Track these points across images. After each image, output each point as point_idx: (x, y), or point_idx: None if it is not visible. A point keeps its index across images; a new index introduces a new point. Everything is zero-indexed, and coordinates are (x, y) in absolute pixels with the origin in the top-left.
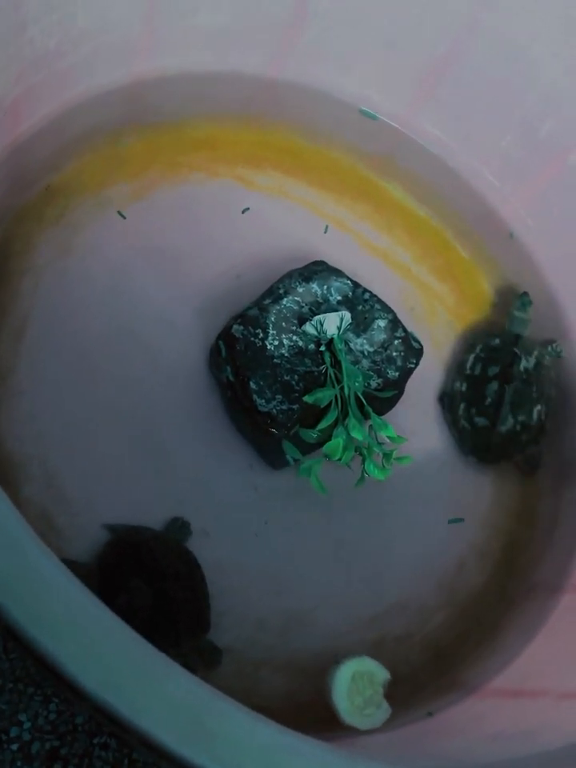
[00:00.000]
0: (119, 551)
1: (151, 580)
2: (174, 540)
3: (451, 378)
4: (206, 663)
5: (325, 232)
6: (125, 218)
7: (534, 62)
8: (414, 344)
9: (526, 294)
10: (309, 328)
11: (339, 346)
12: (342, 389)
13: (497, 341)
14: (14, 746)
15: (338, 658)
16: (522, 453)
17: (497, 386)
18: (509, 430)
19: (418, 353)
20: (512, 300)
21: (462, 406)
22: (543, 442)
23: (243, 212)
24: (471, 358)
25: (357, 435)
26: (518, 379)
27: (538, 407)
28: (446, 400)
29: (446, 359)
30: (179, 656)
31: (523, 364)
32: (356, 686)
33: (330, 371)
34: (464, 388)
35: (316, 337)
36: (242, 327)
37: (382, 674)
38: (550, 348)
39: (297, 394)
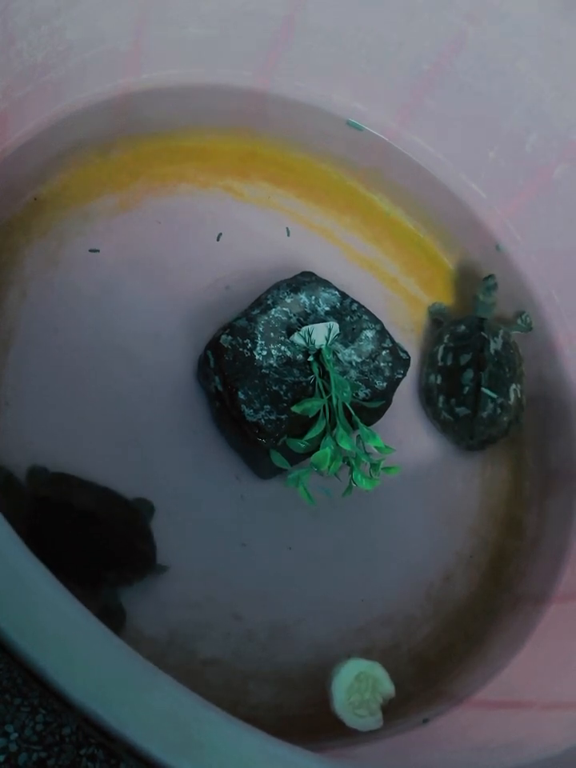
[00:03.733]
0: (59, 485)
1: (82, 523)
2: (112, 493)
3: (425, 372)
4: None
5: (287, 235)
6: (98, 251)
7: (520, 76)
8: (402, 355)
9: (490, 276)
10: (297, 338)
11: (327, 356)
12: (329, 399)
13: (462, 327)
14: (1, 757)
15: (352, 654)
16: (506, 435)
17: (472, 374)
18: (490, 415)
19: (406, 363)
20: (477, 285)
21: (441, 398)
22: (523, 418)
23: (218, 239)
24: (441, 349)
25: (345, 445)
26: (491, 362)
27: (514, 386)
28: (424, 395)
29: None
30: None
31: (493, 346)
32: (358, 684)
33: (318, 381)
34: (439, 381)
35: (304, 347)
36: (230, 337)
37: (387, 686)
38: (520, 320)
39: (285, 404)
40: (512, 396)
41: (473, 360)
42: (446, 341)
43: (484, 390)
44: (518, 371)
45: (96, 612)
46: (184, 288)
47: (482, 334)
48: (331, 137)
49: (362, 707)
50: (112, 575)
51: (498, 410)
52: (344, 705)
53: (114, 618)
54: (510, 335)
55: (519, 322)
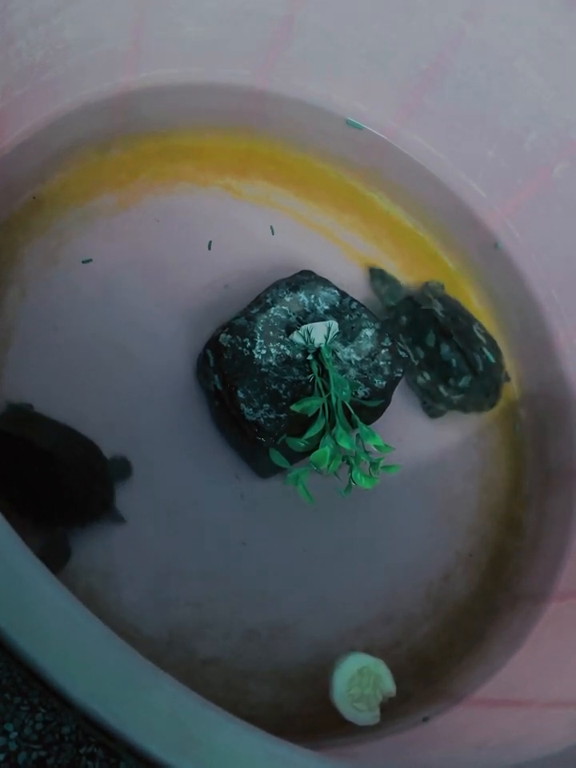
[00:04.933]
0: (21, 421)
1: (39, 460)
2: (87, 444)
3: (413, 379)
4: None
5: (272, 233)
6: (91, 260)
7: (519, 76)
8: (401, 353)
9: (371, 269)
10: (296, 337)
11: (327, 355)
12: (329, 398)
13: (403, 318)
14: (1, 756)
15: (357, 648)
16: (503, 367)
17: (447, 347)
18: (485, 364)
19: (405, 362)
20: (372, 283)
21: (441, 387)
22: (499, 346)
23: (209, 247)
24: (407, 350)
25: (344, 444)
26: (451, 324)
27: (475, 327)
28: (427, 398)
29: None
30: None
31: (439, 310)
32: (360, 678)
33: (318, 380)
34: (429, 376)
35: (303, 346)
36: (229, 336)
37: (388, 685)
38: (427, 291)
39: (284, 403)
40: (481, 336)
41: (437, 334)
42: (403, 340)
43: (466, 350)
44: (467, 312)
45: (40, 548)
46: (183, 287)
47: (423, 308)
48: (331, 136)
49: (361, 701)
50: (68, 515)
51: (484, 356)
52: (343, 696)
53: (57, 557)
54: (437, 291)
55: (428, 294)
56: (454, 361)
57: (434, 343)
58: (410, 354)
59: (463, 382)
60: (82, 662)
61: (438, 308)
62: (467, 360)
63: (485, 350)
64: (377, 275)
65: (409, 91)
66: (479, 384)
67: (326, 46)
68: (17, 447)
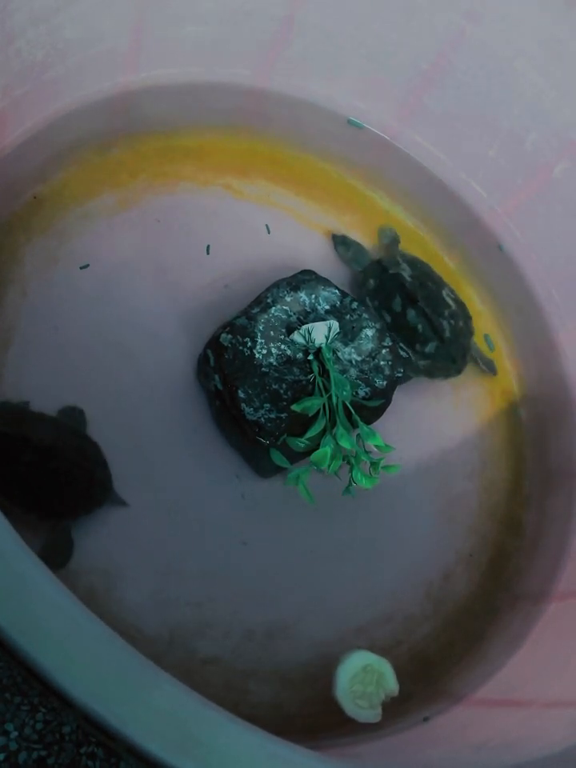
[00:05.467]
0: (12, 421)
1: (43, 452)
2: (76, 431)
3: None
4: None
5: (267, 232)
6: (88, 266)
7: (520, 75)
8: (402, 353)
9: (333, 235)
10: (297, 337)
11: (327, 354)
12: (329, 398)
13: (371, 282)
14: (1, 756)
15: (362, 646)
16: (472, 334)
17: (414, 312)
18: (452, 331)
19: (406, 362)
20: (336, 248)
21: (408, 352)
22: (469, 312)
23: (207, 252)
24: (372, 313)
25: (345, 444)
26: (417, 289)
27: (444, 291)
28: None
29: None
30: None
31: (406, 275)
32: (364, 675)
33: (318, 380)
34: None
35: (304, 346)
36: (230, 336)
37: (391, 684)
38: (383, 237)
39: (285, 403)
40: (450, 301)
41: (403, 299)
42: (370, 304)
43: (432, 316)
44: (437, 276)
45: (43, 543)
46: (184, 286)
47: (390, 272)
48: (331, 135)
49: (363, 698)
50: (73, 506)
51: (452, 321)
52: (345, 691)
53: (62, 552)
54: (406, 255)
55: (384, 240)
56: (420, 326)
57: (400, 308)
58: (381, 318)
59: (429, 347)
60: (83, 662)
61: (407, 272)
62: (433, 326)
63: (455, 315)
64: (339, 242)
65: (409, 91)
66: (445, 350)
67: (326, 46)
68: (15, 446)
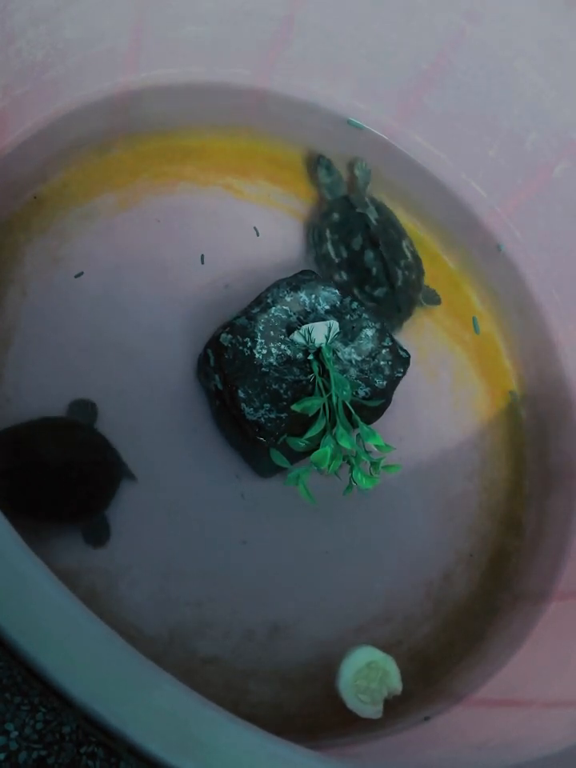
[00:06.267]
0: (35, 430)
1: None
2: (89, 430)
3: (329, 275)
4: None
5: (257, 235)
6: (82, 274)
7: (520, 75)
8: (402, 353)
9: (321, 157)
10: (297, 337)
11: (327, 354)
12: (329, 398)
13: (335, 215)
14: (1, 756)
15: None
16: (421, 290)
17: (372, 254)
18: (404, 280)
19: (406, 362)
20: (316, 171)
21: (356, 291)
22: (423, 267)
23: (202, 261)
24: (329, 247)
25: (345, 444)
26: (380, 234)
27: (404, 243)
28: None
29: (430, 368)
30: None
31: (372, 217)
32: (368, 671)
33: (318, 380)
34: (346, 277)
35: (304, 346)
36: (230, 336)
37: (395, 683)
38: (357, 171)
39: (285, 403)
40: (408, 253)
41: (365, 240)
42: (329, 236)
43: (389, 261)
44: (400, 226)
45: (84, 530)
46: (184, 286)
47: (357, 211)
48: (331, 135)
49: (366, 694)
50: (103, 497)
51: (407, 272)
52: (349, 685)
53: (102, 533)
54: (375, 198)
55: (357, 172)
56: (374, 269)
57: (359, 247)
58: (331, 251)
59: (379, 291)
60: (83, 662)
61: (373, 215)
62: (388, 271)
63: (409, 267)
64: (325, 165)
65: (409, 91)
66: (394, 298)
67: (326, 46)
68: (34, 476)
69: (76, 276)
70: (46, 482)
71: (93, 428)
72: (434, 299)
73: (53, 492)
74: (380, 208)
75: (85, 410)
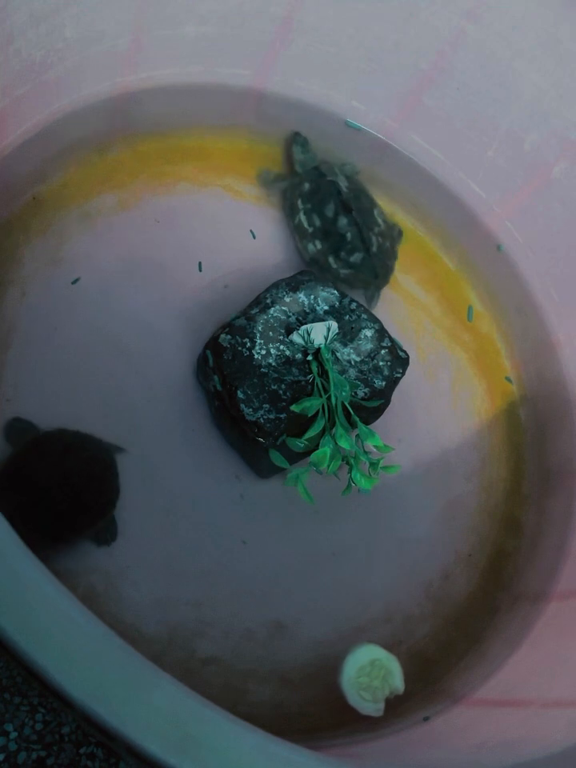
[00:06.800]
0: (39, 444)
1: (60, 474)
2: (96, 444)
3: (303, 246)
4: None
5: (253, 237)
6: (79, 280)
7: (519, 75)
8: (401, 354)
9: (297, 134)
10: (296, 337)
11: (326, 355)
12: (328, 398)
13: (306, 185)
14: (0, 756)
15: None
16: (396, 257)
17: (346, 220)
18: (379, 246)
19: (405, 362)
20: (290, 146)
21: (331, 259)
22: (396, 234)
23: (200, 269)
24: (302, 216)
25: (344, 444)
26: (352, 200)
27: (376, 211)
28: (315, 266)
29: (430, 369)
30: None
31: (342, 185)
32: (371, 669)
33: (317, 380)
34: (321, 245)
35: (303, 346)
36: (229, 336)
37: (397, 683)
38: (347, 167)
39: (284, 403)
40: (380, 221)
41: (337, 206)
42: (301, 206)
43: (363, 227)
44: (370, 196)
45: (94, 532)
46: (183, 287)
47: (328, 179)
48: (330, 136)
49: (367, 690)
50: (110, 494)
51: (380, 239)
52: (351, 681)
53: (110, 531)
54: (345, 168)
55: (347, 168)
56: (349, 235)
57: (332, 214)
58: (304, 221)
59: (355, 257)
60: (82, 662)
61: (343, 183)
62: (363, 237)
63: (383, 233)
64: (300, 142)
65: (408, 91)
66: (370, 263)
67: (325, 46)
68: (41, 501)
69: (73, 282)
70: (54, 509)
71: (68, 431)
72: (398, 233)
73: (63, 514)
74: (350, 178)
75: (20, 432)
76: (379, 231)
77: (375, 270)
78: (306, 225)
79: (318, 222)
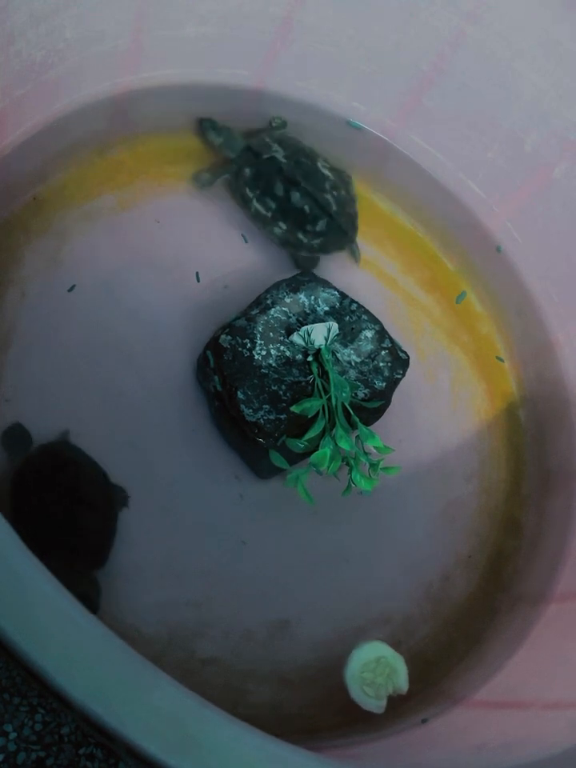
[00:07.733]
0: (45, 461)
1: (66, 499)
2: (102, 473)
3: (269, 231)
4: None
5: (245, 241)
6: (75, 286)
7: (519, 75)
8: (401, 354)
9: (202, 119)
10: (296, 338)
11: (327, 356)
12: (329, 399)
13: (247, 171)
14: None
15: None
16: (356, 200)
17: (297, 194)
18: (337, 202)
19: (405, 363)
20: (205, 136)
21: (299, 234)
22: (347, 177)
23: (198, 280)
24: (256, 203)
25: (344, 445)
26: (295, 170)
27: (320, 163)
28: (289, 248)
29: (429, 369)
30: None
31: (279, 156)
32: (376, 666)
33: (318, 381)
34: (284, 225)
35: (303, 347)
36: (229, 337)
37: (401, 682)
38: (274, 124)
39: (284, 404)
40: (327, 172)
41: (283, 182)
42: (250, 194)
43: (316, 193)
44: (308, 149)
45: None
46: (183, 287)
47: (263, 157)
48: (330, 136)
49: (371, 687)
50: (113, 495)
51: (335, 192)
52: (355, 676)
53: (94, 597)
54: (277, 133)
55: (275, 123)
56: (306, 207)
57: (283, 192)
58: (260, 208)
59: (320, 225)
60: (82, 662)
61: (280, 154)
62: (319, 203)
63: (334, 185)
64: (209, 126)
65: (408, 92)
66: (335, 224)
67: (325, 47)
68: (66, 525)
69: (69, 290)
70: (77, 530)
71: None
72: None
73: (85, 525)
74: (281, 141)
75: (20, 439)
76: (331, 185)
77: (342, 228)
78: (263, 211)
79: (272, 205)
